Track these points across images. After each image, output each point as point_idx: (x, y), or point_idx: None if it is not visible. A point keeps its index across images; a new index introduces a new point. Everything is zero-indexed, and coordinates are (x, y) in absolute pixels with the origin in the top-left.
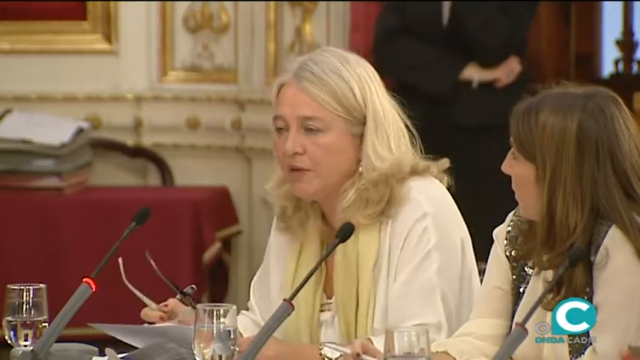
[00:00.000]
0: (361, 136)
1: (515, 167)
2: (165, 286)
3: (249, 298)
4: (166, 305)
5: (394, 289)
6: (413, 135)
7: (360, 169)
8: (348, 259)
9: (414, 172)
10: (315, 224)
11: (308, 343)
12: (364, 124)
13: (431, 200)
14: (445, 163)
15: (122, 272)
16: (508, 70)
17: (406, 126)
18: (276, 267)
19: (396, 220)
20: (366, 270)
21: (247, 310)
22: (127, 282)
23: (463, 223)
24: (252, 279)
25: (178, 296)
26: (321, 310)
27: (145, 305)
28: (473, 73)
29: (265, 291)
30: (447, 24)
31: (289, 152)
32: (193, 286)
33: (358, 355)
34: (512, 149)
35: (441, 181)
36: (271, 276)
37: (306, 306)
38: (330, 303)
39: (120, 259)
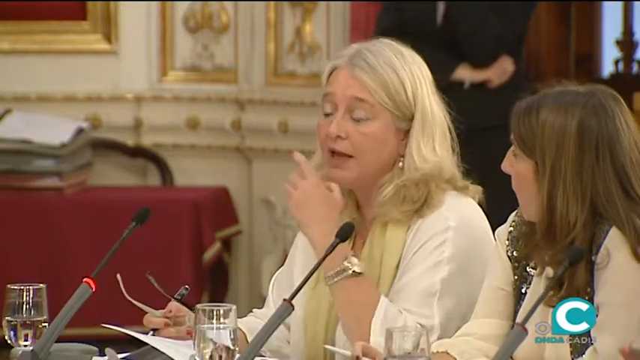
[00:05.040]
0: (405, 132)
1: (516, 165)
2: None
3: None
4: (170, 311)
5: (395, 287)
6: (453, 140)
7: (400, 164)
8: (373, 256)
9: (453, 184)
10: (350, 213)
11: (322, 337)
12: (411, 120)
13: (460, 218)
14: (480, 189)
15: (122, 288)
16: (500, 71)
17: (449, 131)
18: (304, 256)
19: (423, 224)
20: (388, 268)
21: (258, 309)
22: (128, 297)
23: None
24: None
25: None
26: None
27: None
28: (464, 74)
29: (288, 285)
30: (441, 24)
31: (332, 135)
32: (187, 286)
33: (358, 357)
34: (512, 147)
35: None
36: (296, 266)
37: (326, 300)
38: None
39: (118, 275)
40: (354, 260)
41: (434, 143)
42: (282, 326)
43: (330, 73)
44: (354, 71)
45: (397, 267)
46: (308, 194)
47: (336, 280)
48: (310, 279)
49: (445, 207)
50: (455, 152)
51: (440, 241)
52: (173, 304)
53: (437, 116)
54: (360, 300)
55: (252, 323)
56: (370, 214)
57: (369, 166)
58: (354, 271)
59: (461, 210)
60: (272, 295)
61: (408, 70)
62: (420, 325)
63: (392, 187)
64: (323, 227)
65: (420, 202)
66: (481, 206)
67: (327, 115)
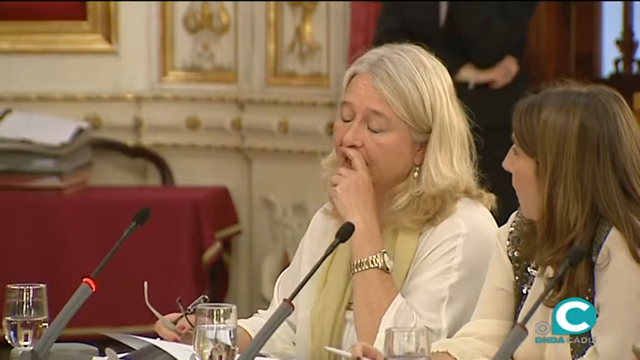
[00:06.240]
0: (422, 144)
1: (517, 163)
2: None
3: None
4: (183, 328)
5: (403, 289)
6: (472, 147)
7: (416, 174)
8: None
9: (468, 193)
10: None
11: (328, 338)
12: (428, 133)
13: (471, 225)
14: (494, 197)
15: (146, 295)
16: (504, 71)
17: (467, 138)
18: (310, 253)
19: (435, 231)
20: (398, 274)
21: (263, 310)
22: (148, 304)
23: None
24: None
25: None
26: (349, 309)
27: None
28: (469, 74)
29: (293, 286)
30: (444, 25)
31: (347, 142)
32: (205, 296)
33: (359, 358)
34: (513, 146)
35: (489, 210)
36: (302, 264)
37: (333, 302)
38: None
39: (145, 283)
40: (386, 256)
41: (452, 158)
42: (288, 328)
43: (350, 79)
44: (374, 81)
45: (407, 274)
46: (357, 183)
47: (362, 269)
48: (319, 279)
49: (457, 214)
50: (473, 160)
51: (450, 248)
52: (187, 319)
53: (456, 128)
54: (378, 294)
55: (257, 324)
56: (380, 221)
57: (382, 176)
58: (382, 266)
59: (473, 217)
60: (277, 296)
61: (428, 81)
62: (428, 328)
63: (406, 197)
64: (363, 214)
65: (432, 212)
66: (493, 214)
67: (345, 121)
